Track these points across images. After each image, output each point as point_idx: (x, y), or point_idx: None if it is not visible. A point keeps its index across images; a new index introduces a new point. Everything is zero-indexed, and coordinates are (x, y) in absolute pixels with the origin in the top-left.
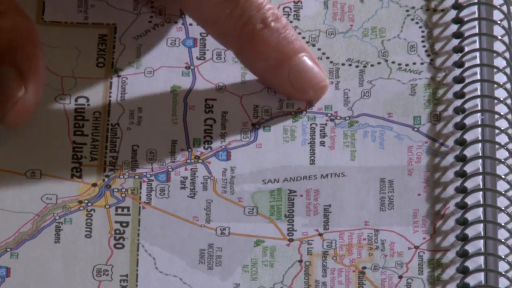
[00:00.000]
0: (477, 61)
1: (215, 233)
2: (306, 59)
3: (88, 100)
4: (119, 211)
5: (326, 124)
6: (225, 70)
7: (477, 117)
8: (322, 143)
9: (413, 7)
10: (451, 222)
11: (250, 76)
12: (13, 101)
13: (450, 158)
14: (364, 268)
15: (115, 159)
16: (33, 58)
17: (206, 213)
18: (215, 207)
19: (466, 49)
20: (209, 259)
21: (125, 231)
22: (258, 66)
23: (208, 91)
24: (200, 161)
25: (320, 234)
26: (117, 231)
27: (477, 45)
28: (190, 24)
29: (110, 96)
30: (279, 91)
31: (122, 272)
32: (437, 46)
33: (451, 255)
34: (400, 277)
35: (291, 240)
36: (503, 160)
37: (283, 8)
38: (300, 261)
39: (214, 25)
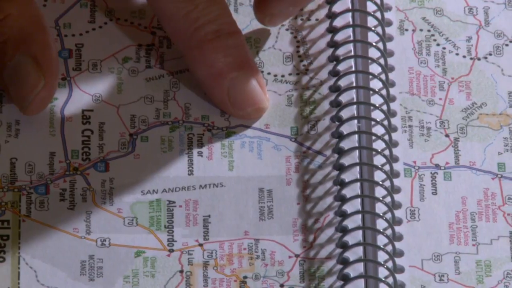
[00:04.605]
0: (352, 68)
1: (96, 244)
2: (249, 77)
3: None
4: None
5: (203, 134)
6: (101, 80)
7: (354, 125)
8: (200, 153)
9: None
10: (330, 230)
11: (126, 86)
12: (35, 92)
13: (328, 167)
14: (245, 277)
15: None
16: (47, 46)
17: (86, 224)
18: (95, 218)
19: (341, 57)
20: (90, 271)
21: (6, 244)
22: (201, 71)
23: (85, 102)
24: (78, 172)
25: (200, 245)
26: None
27: (352, 53)
28: (65, 36)
29: None
30: (215, 101)
31: (4, 285)
32: (312, 56)
33: (331, 263)
34: (282, 285)
35: (171, 251)
36: (380, 166)
37: None
38: (181, 271)
39: (170, 21)
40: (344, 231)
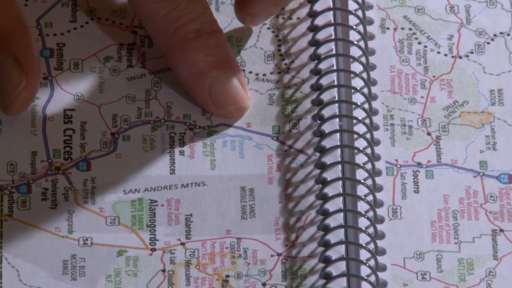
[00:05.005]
0: (334, 67)
1: (78, 244)
2: (231, 76)
3: None
4: None
5: (185, 133)
6: (83, 80)
7: (336, 123)
8: (182, 152)
9: None
10: (312, 229)
11: (107, 85)
12: (17, 92)
13: (310, 166)
14: (227, 276)
15: None
16: (28, 46)
17: (68, 223)
18: (77, 217)
19: (323, 56)
20: (72, 270)
21: None
22: (182, 71)
23: (67, 102)
24: (60, 172)
25: (183, 244)
26: None
27: (333, 51)
28: (47, 35)
29: None
30: (197, 100)
31: None
32: (294, 54)
33: (313, 261)
34: (264, 284)
35: (153, 250)
36: (362, 165)
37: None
38: (163, 270)
39: (151, 21)
40: (326, 229)
